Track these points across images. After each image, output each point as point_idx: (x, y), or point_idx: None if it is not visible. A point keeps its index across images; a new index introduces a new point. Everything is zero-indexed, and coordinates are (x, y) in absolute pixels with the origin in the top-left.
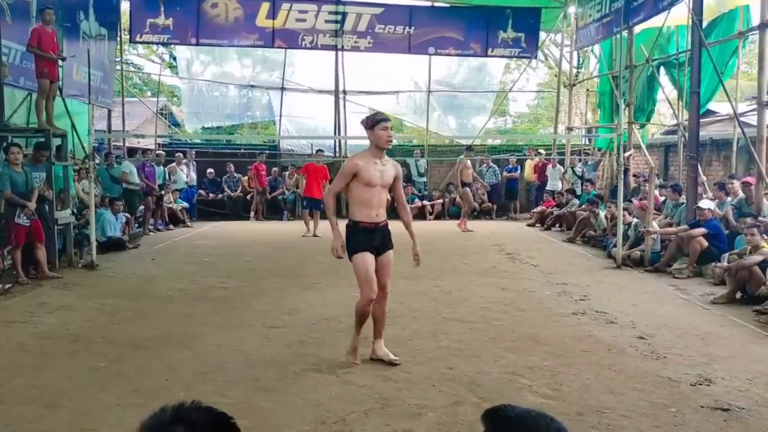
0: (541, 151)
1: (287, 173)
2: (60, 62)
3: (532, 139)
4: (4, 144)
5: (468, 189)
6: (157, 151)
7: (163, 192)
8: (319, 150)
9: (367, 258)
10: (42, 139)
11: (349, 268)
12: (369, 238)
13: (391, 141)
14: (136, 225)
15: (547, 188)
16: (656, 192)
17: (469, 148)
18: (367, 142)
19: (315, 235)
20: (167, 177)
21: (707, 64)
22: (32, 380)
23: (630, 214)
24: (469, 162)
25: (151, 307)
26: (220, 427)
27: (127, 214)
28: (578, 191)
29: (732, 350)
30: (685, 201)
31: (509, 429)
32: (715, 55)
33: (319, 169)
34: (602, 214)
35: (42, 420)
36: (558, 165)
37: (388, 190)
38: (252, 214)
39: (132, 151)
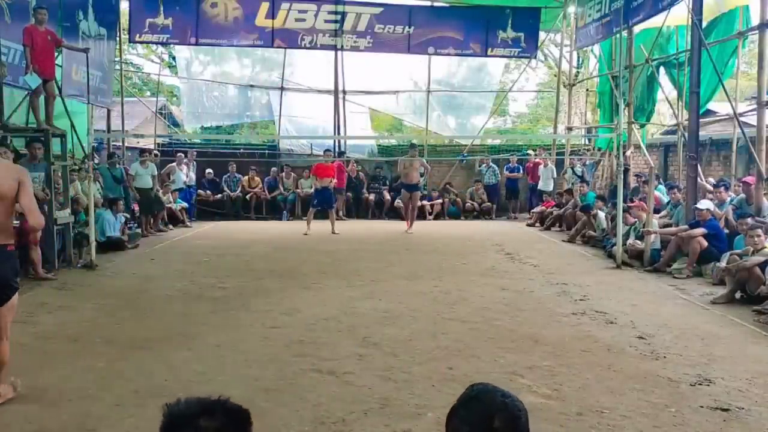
0: (530, 152)
1: (283, 174)
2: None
3: (531, 139)
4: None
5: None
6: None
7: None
8: (326, 150)
9: None
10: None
11: (349, 268)
12: None
13: None
14: (135, 224)
15: (538, 188)
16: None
17: (412, 145)
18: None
19: (333, 233)
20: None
21: (707, 64)
22: (32, 380)
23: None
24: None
25: (150, 307)
26: (244, 423)
27: (127, 214)
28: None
29: (731, 350)
30: (683, 201)
31: (468, 403)
32: (714, 54)
33: (329, 167)
34: (602, 214)
35: (42, 420)
36: (549, 165)
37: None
38: (341, 213)
39: (142, 152)
